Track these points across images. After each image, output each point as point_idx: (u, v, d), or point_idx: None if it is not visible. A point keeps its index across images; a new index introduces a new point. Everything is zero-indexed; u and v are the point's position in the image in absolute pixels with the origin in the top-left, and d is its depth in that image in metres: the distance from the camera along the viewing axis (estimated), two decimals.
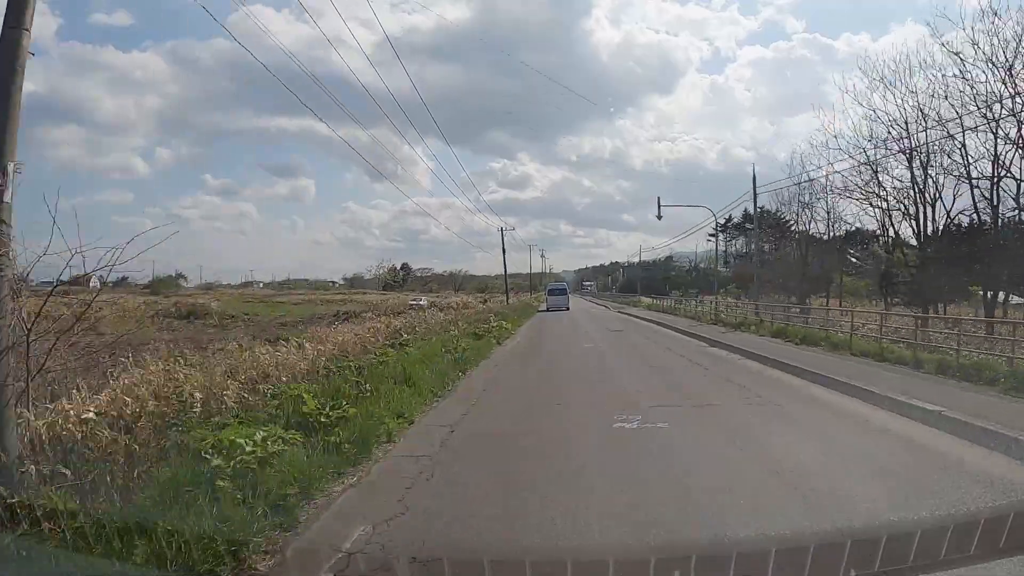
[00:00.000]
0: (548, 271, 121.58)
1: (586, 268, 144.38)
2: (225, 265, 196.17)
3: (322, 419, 6.99)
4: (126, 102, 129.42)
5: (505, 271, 66.48)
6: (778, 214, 59.33)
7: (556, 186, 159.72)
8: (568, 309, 49.88)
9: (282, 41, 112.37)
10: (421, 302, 50.15)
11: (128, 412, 6.25)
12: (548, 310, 49.68)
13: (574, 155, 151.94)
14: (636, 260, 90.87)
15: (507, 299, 59.29)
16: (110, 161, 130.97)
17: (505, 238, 60.66)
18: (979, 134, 23.77)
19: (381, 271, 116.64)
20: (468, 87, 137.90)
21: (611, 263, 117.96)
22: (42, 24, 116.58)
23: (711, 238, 61.99)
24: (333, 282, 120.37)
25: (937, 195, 27.17)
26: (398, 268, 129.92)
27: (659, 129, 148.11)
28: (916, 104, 25.47)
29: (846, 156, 33.77)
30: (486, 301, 47.10)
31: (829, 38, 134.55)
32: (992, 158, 23.67)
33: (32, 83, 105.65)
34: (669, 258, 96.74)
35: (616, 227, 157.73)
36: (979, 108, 22.54)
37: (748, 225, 55.01)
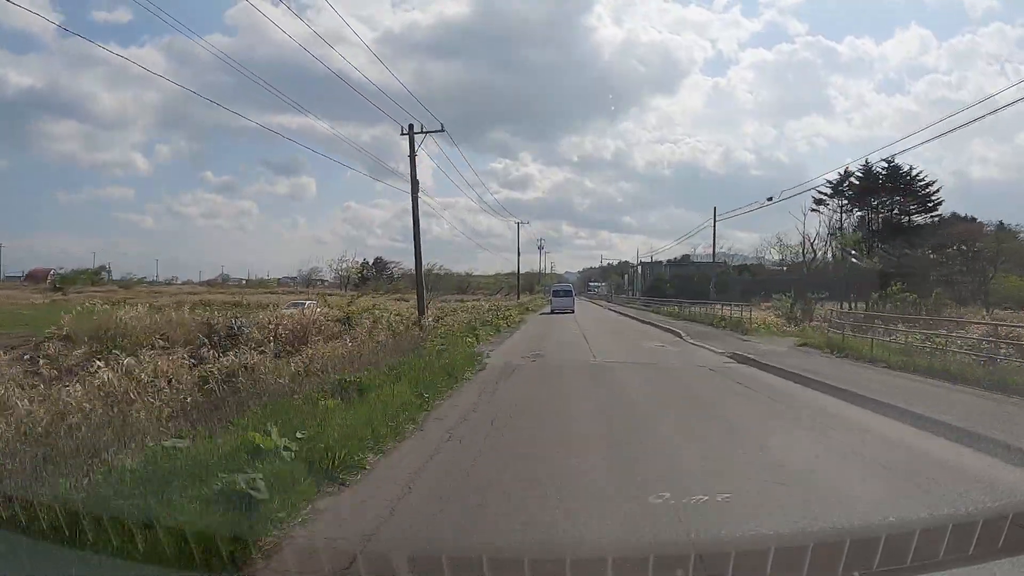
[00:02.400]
0: (549, 269, 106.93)
1: (592, 268, 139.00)
2: (227, 262, 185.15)
3: None
4: (125, 98, 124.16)
5: (417, 232, 24.16)
6: (918, 176, 36.62)
7: (558, 186, 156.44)
8: (573, 312, 46.00)
9: (281, 36, 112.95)
10: (303, 305, 28.04)
11: None
12: (552, 312, 46.79)
13: (576, 155, 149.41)
14: (642, 259, 71.40)
15: (422, 311, 24.01)
16: (110, 157, 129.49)
17: (418, 144, 22.61)
18: None
19: (343, 265, 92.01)
20: (469, 85, 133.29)
21: (620, 262, 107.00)
22: (43, 20, 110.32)
23: (816, 208, 38.72)
24: (322, 280, 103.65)
25: None
26: (369, 263, 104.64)
27: (661, 131, 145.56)
28: None
29: None
30: (348, 319, 20.35)
31: (832, 41, 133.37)
32: None
33: (31, 78, 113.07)
34: (686, 256, 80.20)
35: (618, 229, 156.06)
36: None
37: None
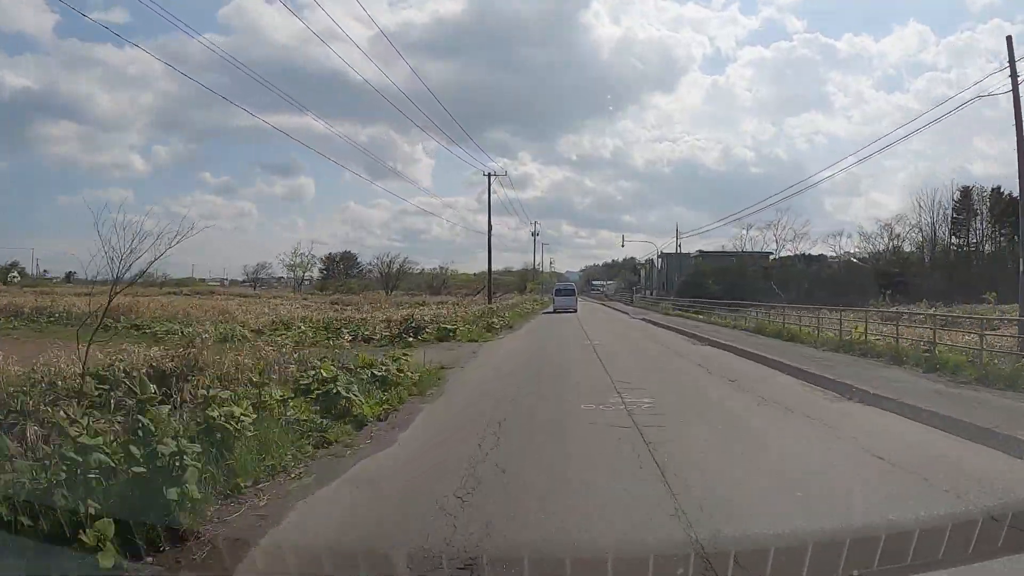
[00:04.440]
0: (549, 267, 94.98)
1: (595, 265, 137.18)
2: (227, 264, 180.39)
3: None
4: (121, 98, 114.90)
5: None
6: None
7: (557, 186, 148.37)
8: (576, 311, 45.00)
9: (277, 36, 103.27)
10: None
11: None
12: (555, 311, 45.93)
13: (575, 154, 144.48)
14: (662, 252, 58.02)
15: None
16: (108, 158, 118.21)
17: None
18: None
19: (299, 260, 72.63)
20: (466, 84, 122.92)
21: (625, 259, 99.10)
22: (41, 21, 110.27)
23: None
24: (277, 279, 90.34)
25: None
26: (336, 257, 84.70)
27: (660, 130, 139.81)
28: None
29: None
30: None
31: (831, 38, 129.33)
32: None
33: (29, 80, 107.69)
34: (701, 251, 67.13)
35: (618, 228, 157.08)
36: None
37: None
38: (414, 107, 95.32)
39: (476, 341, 20.06)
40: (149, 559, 3.91)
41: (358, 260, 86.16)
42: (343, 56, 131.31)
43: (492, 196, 41.61)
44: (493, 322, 26.02)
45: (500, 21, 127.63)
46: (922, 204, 51.01)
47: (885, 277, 48.05)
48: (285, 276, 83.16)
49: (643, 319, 34.92)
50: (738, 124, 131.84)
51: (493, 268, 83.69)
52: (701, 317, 32.77)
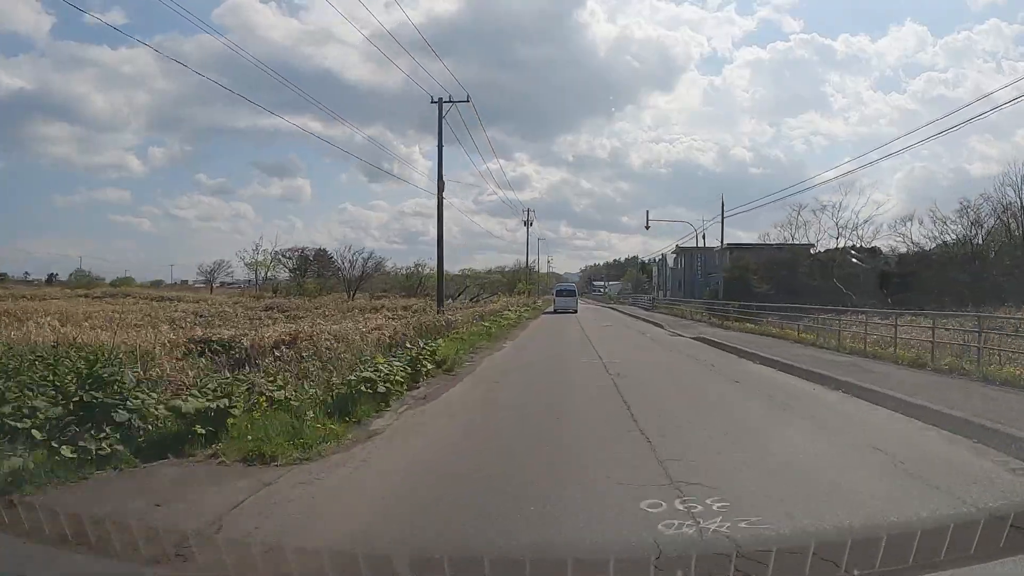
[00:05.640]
0: (547, 267, 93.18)
1: (595, 265, 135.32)
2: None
3: None
4: (117, 98, 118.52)
5: None
6: None
7: (555, 187, 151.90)
8: (576, 312, 45.11)
9: (272, 36, 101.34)
10: None
11: None
12: (555, 311, 45.80)
13: (572, 155, 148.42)
14: (678, 245, 49.23)
15: None
16: (104, 159, 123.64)
17: None
18: None
19: (258, 256, 61.45)
20: (462, 83, 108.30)
21: (627, 258, 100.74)
22: (39, 22, 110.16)
23: None
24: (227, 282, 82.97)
25: None
26: (310, 255, 72.56)
27: (658, 130, 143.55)
28: None
29: None
30: None
31: (827, 38, 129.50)
32: None
33: (23, 80, 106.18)
34: (731, 244, 52.69)
35: (616, 229, 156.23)
36: None
37: None
38: (413, 106, 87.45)
39: (272, 462, 5.58)
40: None
41: (333, 259, 75.34)
42: (340, 56, 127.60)
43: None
44: (372, 379, 8.32)
45: (495, 20, 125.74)
46: (1009, 183, 40.28)
47: (962, 271, 37.55)
48: (251, 276, 72.64)
49: (696, 337, 21.10)
50: (736, 125, 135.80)
51: (484, 269, 71.43)
52: (807, 337, 18.59)
